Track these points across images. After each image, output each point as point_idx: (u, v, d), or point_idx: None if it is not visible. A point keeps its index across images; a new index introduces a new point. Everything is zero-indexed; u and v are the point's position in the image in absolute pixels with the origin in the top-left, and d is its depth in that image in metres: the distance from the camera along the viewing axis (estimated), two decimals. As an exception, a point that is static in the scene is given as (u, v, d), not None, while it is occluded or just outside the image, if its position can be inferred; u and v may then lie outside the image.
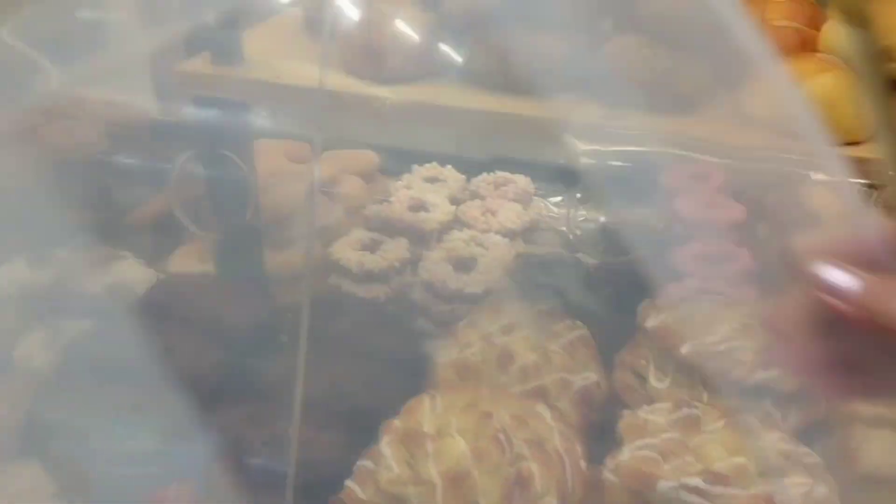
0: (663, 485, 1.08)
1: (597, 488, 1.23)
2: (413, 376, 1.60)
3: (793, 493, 1.11)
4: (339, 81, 1.24)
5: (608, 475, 1.20)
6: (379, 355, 1.59)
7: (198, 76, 1.39)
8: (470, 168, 2.40)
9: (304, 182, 2.02)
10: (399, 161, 2.44)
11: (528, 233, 2.17)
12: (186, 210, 1.89)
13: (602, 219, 2.09)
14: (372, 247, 1.90)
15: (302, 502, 1.28)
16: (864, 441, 1.25)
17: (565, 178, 1.92)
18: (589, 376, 1.48)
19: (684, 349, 1.36)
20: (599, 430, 1.48)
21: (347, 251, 1.86)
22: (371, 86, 1.24)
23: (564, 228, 2.22)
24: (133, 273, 1.75)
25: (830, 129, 1.12)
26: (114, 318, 1.53)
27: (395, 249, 1.85)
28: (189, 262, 1.87)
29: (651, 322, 1.43)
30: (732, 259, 1.86)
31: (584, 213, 2.10)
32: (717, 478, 1.11)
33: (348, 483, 1.19)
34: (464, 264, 1.92)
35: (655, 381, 1.41)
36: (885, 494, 1.21)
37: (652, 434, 1.19)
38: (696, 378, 1.40)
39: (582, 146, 1.09)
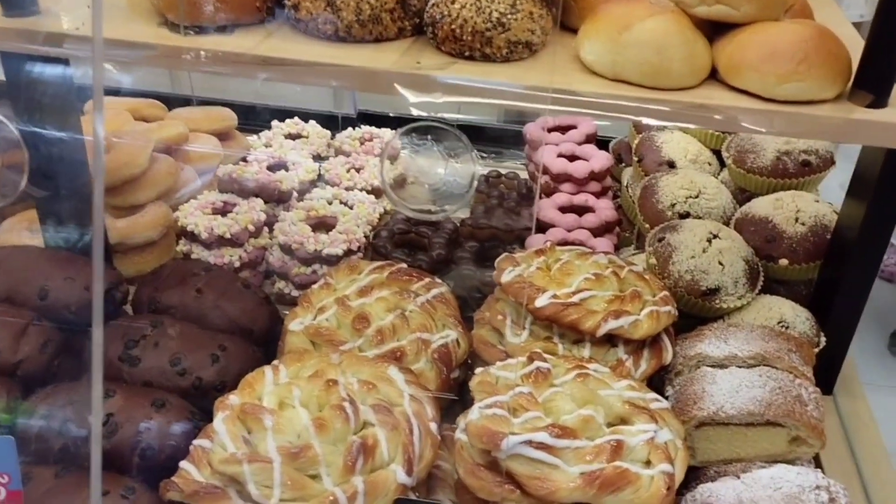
0: (510, 441, 1.06)
1: (450, 450, 1.21)
2: (267, 346, 1.53)
3: (637, 440, 1.11)
4: (152, 32, 1.12)
5: (460, 435, 1.17)
6: (231, 325, 1.50)
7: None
8: (334, 124, 2.32)
9: (151, 142, 1.88)
10: (257, 117, 2.33)
11: (396, 189, 2.11)
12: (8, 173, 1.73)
13: (477, 171, 2.05)
14: (224, 210, 1.79)
15: (143, 485, 1.20)
16: (710, 383, 1.28)
17: (434, 132, 1.86)
18: (448, 335, 1.45)
19: (539, 302, 1.34)
20: (461, 388, 1.46)
21: (196, 215, 1.75)
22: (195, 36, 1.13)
23: (438, 183, 2.17)
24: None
25: (660, 73, 1.11)
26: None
27: (249, 212, 1.76)
28: (16, 234, 1.71)
29: (506, 277, 1.41)
30: (594, 209, 1.86)
31: (456, 166, 2.04)
32: (564, 431, 1.10)
33: (183, 465, 1.12)
34: (324, 224, 1.84)
35: (512, 337, 1.39)
36: (728, 433, 1.24)
37: (503, 391, 1.17)
38: (552, 331, 1.38)
39: (412, 97, 1.03)
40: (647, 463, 1.12)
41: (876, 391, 1.71)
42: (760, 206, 1.66)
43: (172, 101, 2.23)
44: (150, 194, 1.81)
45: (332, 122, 2.28)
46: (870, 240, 1.40)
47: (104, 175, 1.03)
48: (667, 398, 1.34)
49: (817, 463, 1.34)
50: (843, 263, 1.46)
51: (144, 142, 1.84)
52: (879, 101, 1.16)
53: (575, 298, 1.36)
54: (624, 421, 1.17)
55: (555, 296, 1.35)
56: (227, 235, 1.70)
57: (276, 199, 1.89)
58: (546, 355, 1.28)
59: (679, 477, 1.12)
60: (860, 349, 1.55)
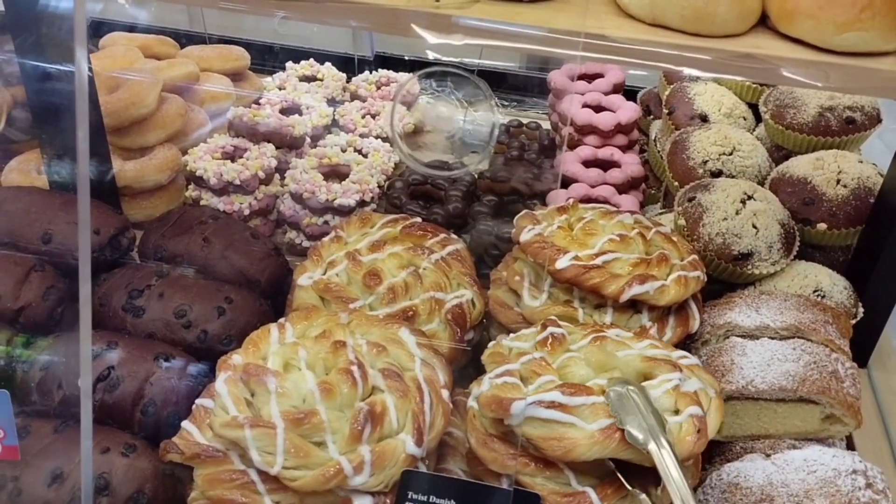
0: (519, 405, 1.00)
1: (463, 416, 1.15)
2: (275, 298, 1.47)
3: (660, 390, 1.04)
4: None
5: (472, 403, 1.11)
6: (239, 276, 1.45)
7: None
8: (350, 66, 2.22)
9: (160, 81, 1.80)
10: (273, 58, 2.23)
11: (411, 137, 2.02)
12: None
13: (497, 120, 1.96)
14: (234, 155, 1.72)
15: (144, 443, 1.16)
16: (739, 355, 1.21)
17: (452, 78, 1.76)
18: (463, 294, 1.38)
19: (559, 263, 1.27)
20: (476, 349, 1.40)
21: (206, 160, 1.68)
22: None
23: (455, 132, 2.08)
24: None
25: (704, 17, 1.01)
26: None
27: (260, 157, 1.68)
28: (25, 173, 1.65)
29: (526, 235, 1.33)
30: (619, 164, 1.77)
31: (476, 114, 1.93)
32: (577, 389, 1.04)
33: (184, 425, 1.07)
34: (337, 173, 1.77)
35: (530, 299, 1.32)
36: (757, 409, 1.18)
37: (515, 360, 1.10)
38: (573, 294, 1.31)
39: (431, 39, 0.94)
40: (676, 412, 1.05)
41: (909, 363, 1.64)
42: (799, 166, 1.56)
43: (187, 40, 2.15)
44: (158, 136, 1.75)
45: (349, 65, 2.18)
46: (918, 206, 1.31)
47: (88, 119, 0.97)
48: (692, 368, 1.28)
49: (849, 442, 1.28)
50: (886, 230, 1.37)
51: (153, 81, 1.76)
52: (945, 56, 1.05)
53: (598, 261, 1.28)
54: (646, 377, 1.10)
55: (576, 257, 1.28)
56: (237, 182, 1.63)
57: (289, 144, 1.82)
58: (562, 322, 1.20)
59: (713, 425, 1.04)
60: (894, 319, 1.47)
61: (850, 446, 1.27)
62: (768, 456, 1.09)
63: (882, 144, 1.65)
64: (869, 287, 1.42)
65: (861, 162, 1.54)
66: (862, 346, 1.44)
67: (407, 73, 2.12)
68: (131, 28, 2.08)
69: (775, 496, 1.02)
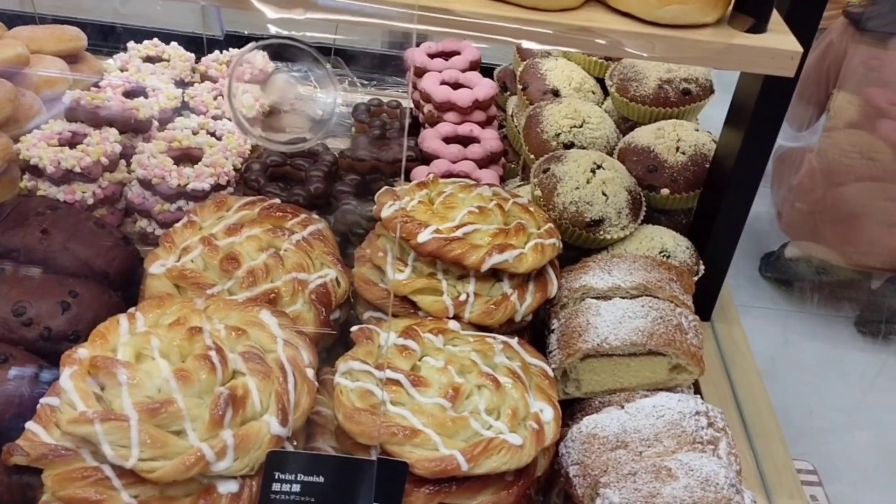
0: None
1: (331, 395, 1.14)
2: (127, 290, 1.40)
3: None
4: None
5: (339, 379, 1.11)
6: (84, 269, 1.36)
7: None
8: (199, 46, 2.13)
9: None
10: (113, 38, 2.10)
11: (267, 118, 1.97)
12: None
13: (336, 95, 1.93)
14: (72, 141, 1.61)
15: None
16: (594, 315, 1.27)
17: (290, 52, 1.72)
18: (326, 274, 1.37)
19: (421, 237, 1.28)
20: (343, 327, 1.39)
21: (40, 147, 1.56)
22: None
23: (316, 110, 2.04)
24: None
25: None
26: None
27: (102, 143, 1.58)
28: None
29: (387, 211, 1.33)
30: (479, 140, 1.80)
31: (336, 92, 1.90)
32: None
33: (29, 426, 1.00)
34: (189, 156, 1.69)
35: (394, 274, 1.32)
36: (612, 364, 1.24)
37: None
38: (436, 267, 1.33)
39: (270, 13, 0.92)
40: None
41: (747, 312, 1.77)
42: (642, 136, 1.65)
43: (13, 21, 1.98)
44: (-15, 123, 1.61)
45: (198, 45, 2.09)
46: (746, 168, 1.41)
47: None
48: (552, 331, 1.32)
49: (696, 388, 1.37)
50: (720, 192, 1.47)
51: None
52: (759, 26, 1.14)
53: (458, 233, 1.30)
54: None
55: (437, 230, 1.29)
56: (77, 169, 1.53)
57: (134, 128, 1.72)
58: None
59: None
60: (732, 273, 1.59)
61: (697, 392, 1.36)
62: (622, 406, 1.15)
63: (715, 113, 1.77)
64: (708, 246, 1.52)
65: (697, 130, 1.64)
66: (705, 301, 1.55)
67: (260, 53, 2.06)
68: (-50, 10, 1.90)
69: (629, 441, 1.08)
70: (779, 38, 1.15)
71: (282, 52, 1.18)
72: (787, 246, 3.35)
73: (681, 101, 1.68)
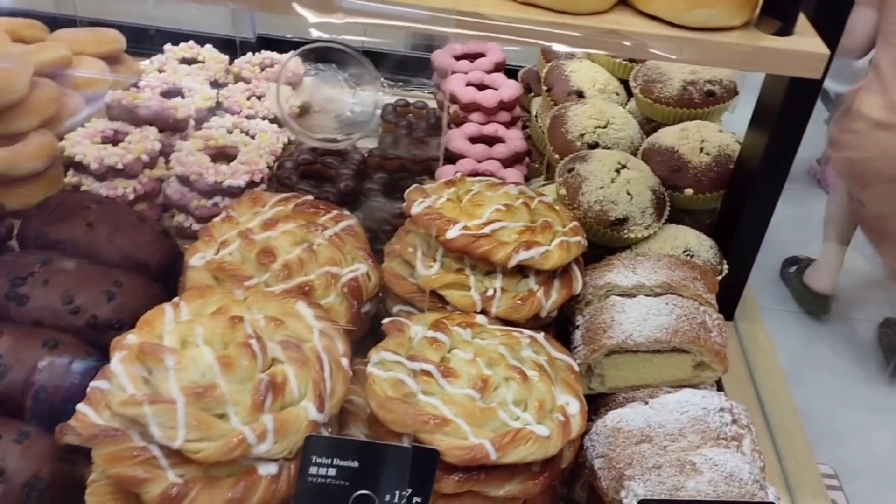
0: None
1: (363, 384, 1.18)
2: (167, 282, 1.45)
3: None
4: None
5: (372, 369, 1.15)
6: (127, 260, 1.42)
7: None
8: (232, 49, 2.19)
9: (30, 66, 1.72)
10: (149, 41, 2.17)
11: (298, 118, 2.02)
12: None
13: (379, 97, 1.98)
14: (114, 139, 1.67)
15: (38, 430, 1.13)
16: (619, 312, 1.30)
17: (335, 56, 1.77)
18: (357, 268, 1.41)
19: (450, 233, 1.32)
20: (374, 320, 1.43)
21: (84, 144, 1.62)
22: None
23: (343, 111, 2.09)
24: None
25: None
26: None
27: (142, 141, 1.64)
28: None
29: (416, 208, 1.37)
30: (503, 140, 1.84)
31: (364, 94, 1.95)
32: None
33: (80, 407, 1.05)
34: (224, 154, 1.75)
35: (423, 269, 1.36)
36: (636, 360, 1.27)
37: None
38: (464, 263, 1.37)
39: (312, 18, 0.96)
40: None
41: (769, 315, 1.80)
42: (666, 136, 1.68)
43: (55, 24, 2.05)
44: (31, 122, 1.67)
45: (230, 47, 2.15)
46: (771, 169, 1.44)
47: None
48: (577, 328, 1.36)
49: (719, 386, 1.40)
50: (745, 193, 1.50)
51: (23, 65, 1.68)
52: (786, 29, 1.17)
53: (486, 230, 1.34)
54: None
55: (466, 227, 1.33)
56: (119, 166, 1.59)
57: (172, 127, 1.78)
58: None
59: None
60: (755, 275, 1.61)
61: (720, 390, 1.39)
62: (647, 402, 1.18)
63: (740, 115, 1.79)
64: (732, 246, 1.55)
65: (721, 131, 1.67)
66: (728, 301, 1.57)
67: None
68: (-6, 13, 1.97)
69: (653, 436, 1.11)
70: (806, 41, 1.17)
71: (326, 55, 1.23)
72: (808, 268, 3.28)
73: (705, 102, 1.70)
